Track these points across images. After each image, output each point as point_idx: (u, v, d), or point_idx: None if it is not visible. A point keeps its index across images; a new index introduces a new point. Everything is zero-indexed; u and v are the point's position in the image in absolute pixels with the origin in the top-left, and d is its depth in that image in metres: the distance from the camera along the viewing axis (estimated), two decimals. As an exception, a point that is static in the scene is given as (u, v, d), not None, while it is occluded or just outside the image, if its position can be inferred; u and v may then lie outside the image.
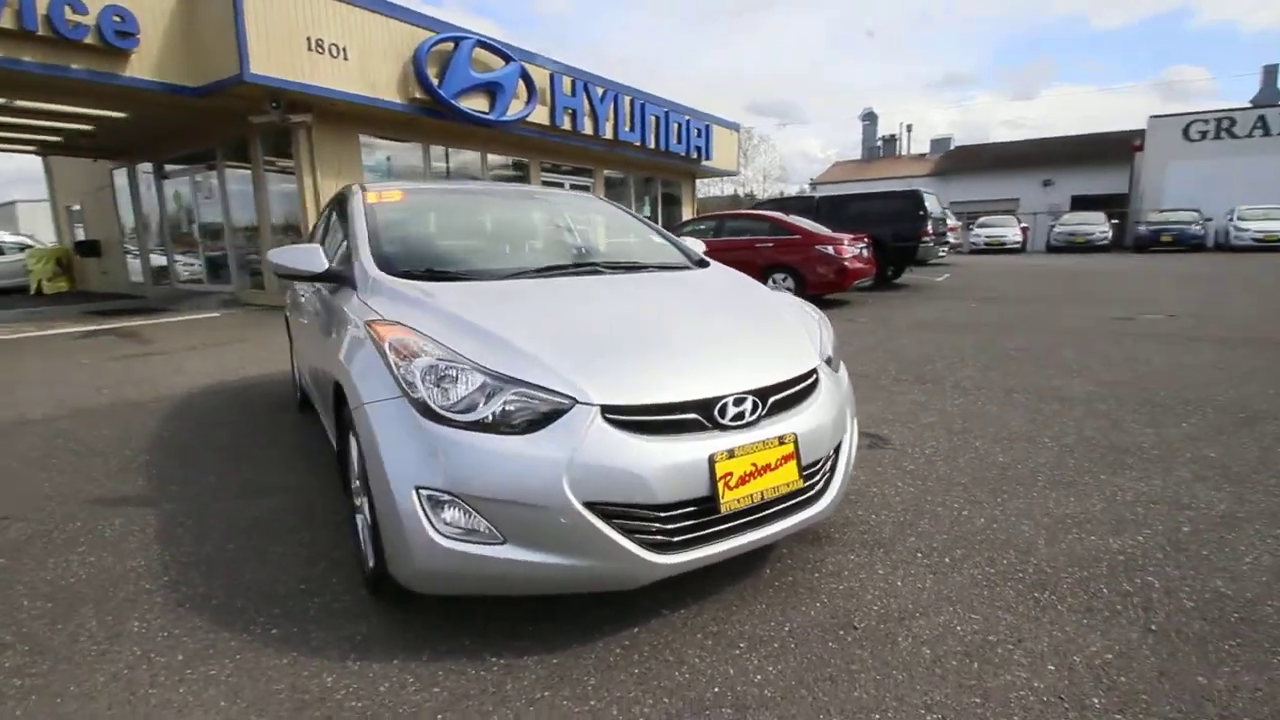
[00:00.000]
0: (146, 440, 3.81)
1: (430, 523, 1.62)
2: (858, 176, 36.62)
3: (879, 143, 40.99)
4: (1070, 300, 9.06)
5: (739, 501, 1.72)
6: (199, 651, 1.80)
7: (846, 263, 8.78)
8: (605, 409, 1.65)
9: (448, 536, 1.62)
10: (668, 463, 1.64)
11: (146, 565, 2.31)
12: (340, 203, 3.18)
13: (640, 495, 1.62)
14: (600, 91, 12.69)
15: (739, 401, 1.78)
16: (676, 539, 1.68)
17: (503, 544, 1.61)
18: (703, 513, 1.70)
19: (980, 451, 3.22)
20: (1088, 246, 21.57)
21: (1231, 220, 19.69)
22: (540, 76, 11.34)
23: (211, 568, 2.28)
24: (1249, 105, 25.64)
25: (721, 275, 2.73)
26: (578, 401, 1.65)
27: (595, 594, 1.87)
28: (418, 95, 9.46)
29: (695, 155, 15.89)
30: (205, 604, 2.04)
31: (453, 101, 9.77)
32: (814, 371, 2.04)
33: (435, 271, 2.35)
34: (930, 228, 11.07)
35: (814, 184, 38.39)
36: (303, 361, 3.64)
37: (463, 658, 1.73)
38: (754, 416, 1.80)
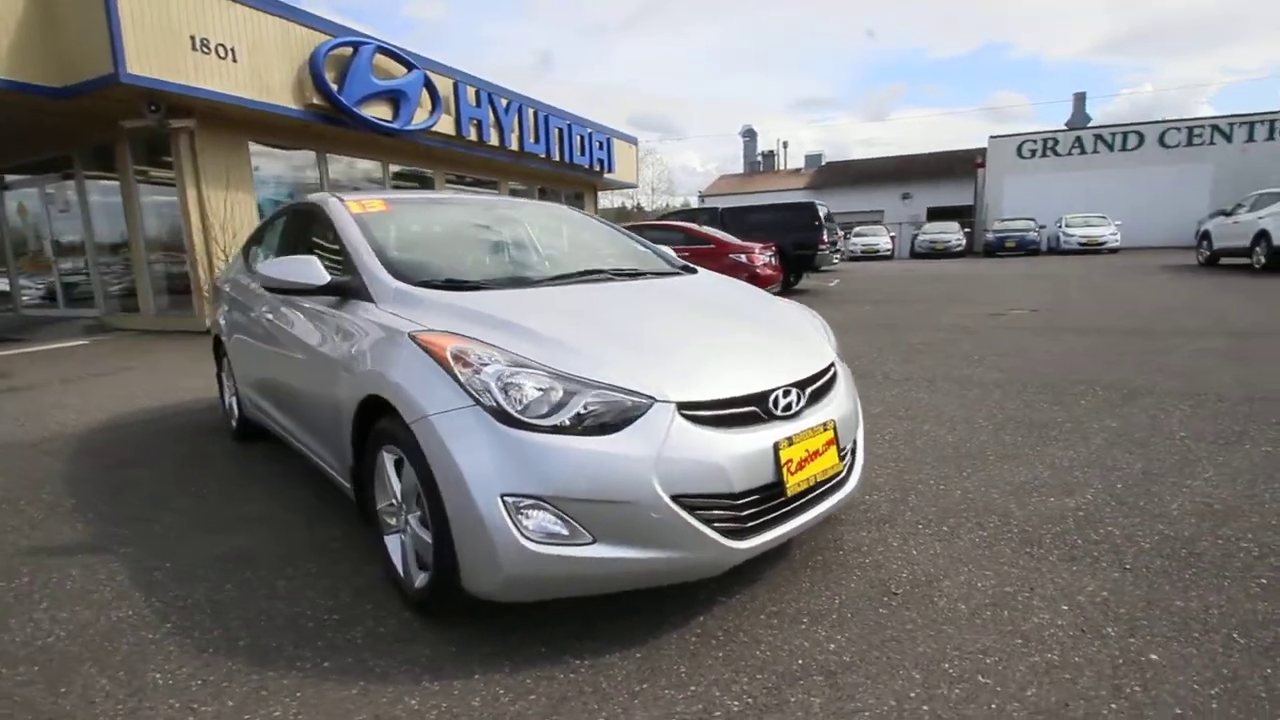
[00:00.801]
0: (60, 484, 3.37)
1: (518, 529, 1.62)
2: (742, 189, 38.53)
3: (759, 158, 43.36)
4: (948, 300, 10.11)
5: (798, 485, 1.86)
6: (250, 694, 1.67)
7: (759, 270, 9.29)
8: (680, 406, 1.73)
9: (536, 541, 1.63)
10: (740, 452, 1.75)
11: (137, 614, 2.08)
12: (309, 215, 3.01)
13: (720, 485, 1.72)
14: (504, 102, 12.57)
15: (786, 393, 1.92)
16: (749, 524, 1.79)
17: (592, 543, 1.64)
18: (768, 498, 1.82)
19: (930, 434, 3.58)
20: (946, 252, 24.04)
21: (1060, 227, 22.73)
22: (444, 85, 11.06)
23: (217, 609, 2.10)
24: (1065, 128, 29.75)
25: (719, 280, 2.87)
26: (656, 400, 1.72)
27: (646, 590, 1.93)
28: (316, 101, 8.94)
29: (598, 168, 16.09)
30: (232, 646, 1.89)
31: (354, 109, 9.31)
32: (833, 364, 2.23)
33: (455, 281, 2.31)
34: (826, 236, 11.94)
35: (703, 196, 39.93)
36: (257, 385, 3.37)
37: (545, 664, 1.74)
38: (799, 407, 1.95)
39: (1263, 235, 12.32)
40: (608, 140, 16.46)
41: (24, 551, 2.58)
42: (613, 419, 1.68)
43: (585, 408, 1.68)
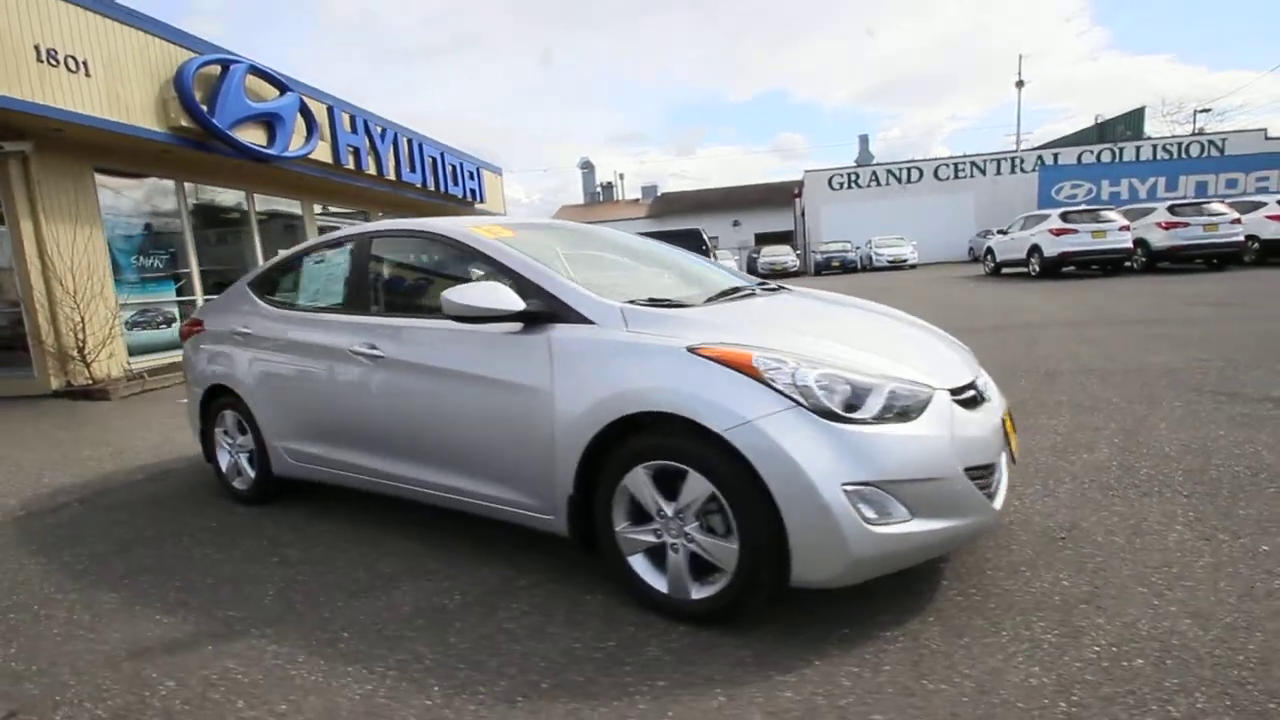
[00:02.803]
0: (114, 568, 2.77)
1: (859, 514, 1.79)
2: (586, 219, 39.53)
3: (598, 189, 44.78)
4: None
5: (1014, 453, 2.23)
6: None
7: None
8: (950, 392, 2.03)
9: (871, 523, 1.81)
10: (990, 428, 2.08)
11: (396, 686, 1.88)
12: (418, 244, 2.95)
13: (987, 456, 2.03)
14: (380, 129, 11.93)
15: (982, 381, 2.29)
16: (993, 490, 2.11)
17: (910, 519, 1.86)
18: (994, 467, 2.16)
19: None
20: (784, 273, 26.68)
21: (871, 247, 26.36)
22: (319, 110, 10.28)
23: (476, 662, 1.95)
24: (855, 165, 34.60)
25: (810, 291, 3.16)
26: (935, 389, 1.99)
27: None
28: (183, 124, 7.87)
29: (471, 198, 15.75)
30: (538, 689, 1.80)
31: (228, 132, 8.33)
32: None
33: (657, 300, 2.39)
34: (712, 258, 12.86)
35: (547, 225, 40.31)
36: (318, 432, 3.04)
37: (861, 641, 1.91)
38: (987, 394, 2.33)
39: (1035, 249, 15.47)
40: (478, 170, 16.20)
41: (108, 659, 2.14)
42: (912, 408, 1.92)
43: (889, 400, 1.91)
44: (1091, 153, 28.03)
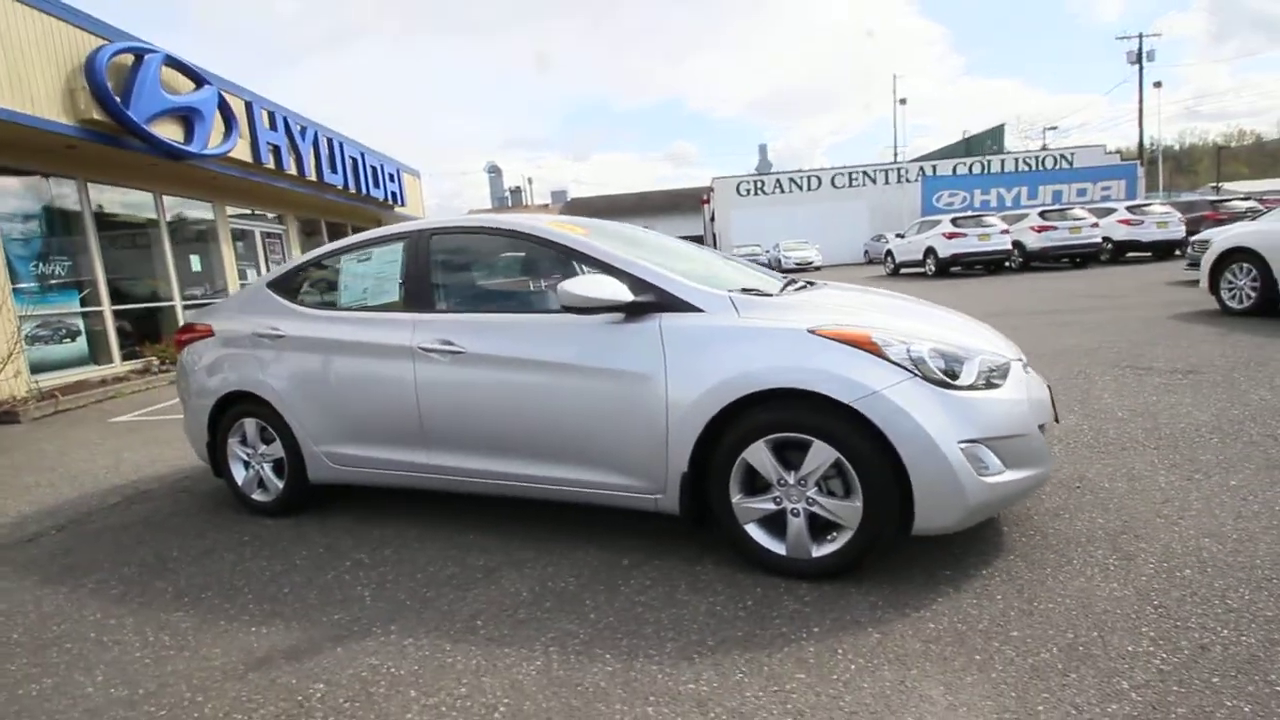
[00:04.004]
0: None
1: (973, 467, 2.08)
2: (494, 223, 38.90)
3: (506, 193, 44.12)
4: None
5: (1057, 414, 2.61)
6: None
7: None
8: (1021, 363, 2.37)
9: (981, 475, 2.10)
10: (1045, 391, 2.45)
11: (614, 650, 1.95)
12: (490, 241, 3.01)
13: (1047, 416, 2.39)
14: (300, 128, 11.28)
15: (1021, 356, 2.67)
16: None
17: (1004, 471, 2.17)
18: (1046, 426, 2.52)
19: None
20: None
21: (779, 251, 27.74)
22: (238, 106, 9.60)
23: (630, 624, 2.06)
24: (757, 172, 36.31)
25: (858, 287, 3.47)
26: (1011, 359, 2.32)
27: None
28: (95, 116, 7.13)
29: (391, 201, 15.16)
30: (703, 646, 1.95)
31: (145, 127, 7.63)
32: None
33: (749, 289, 2.58)
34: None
35: (455, 231, 39.22)
36: (370, 432, 2.99)
37: (970, 582, 2.20)
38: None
39: (930, 251, 17.01)
40: (398, 172, 15.62)
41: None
42: (996, 375, 2.24)
43: (982, 368, 2.21)
44: (964, 165, 31.02)
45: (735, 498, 2.33)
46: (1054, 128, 62.64)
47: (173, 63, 8.24)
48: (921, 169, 31.30)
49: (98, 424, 6.23)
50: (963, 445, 2.08)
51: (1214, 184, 46.53)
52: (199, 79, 8.70)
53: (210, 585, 2.67)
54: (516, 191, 43.69)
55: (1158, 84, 52.90)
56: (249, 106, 9.90)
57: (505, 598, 2.35)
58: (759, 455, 2.26)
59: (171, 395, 7.67)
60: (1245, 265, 7.08)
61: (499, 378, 2.67)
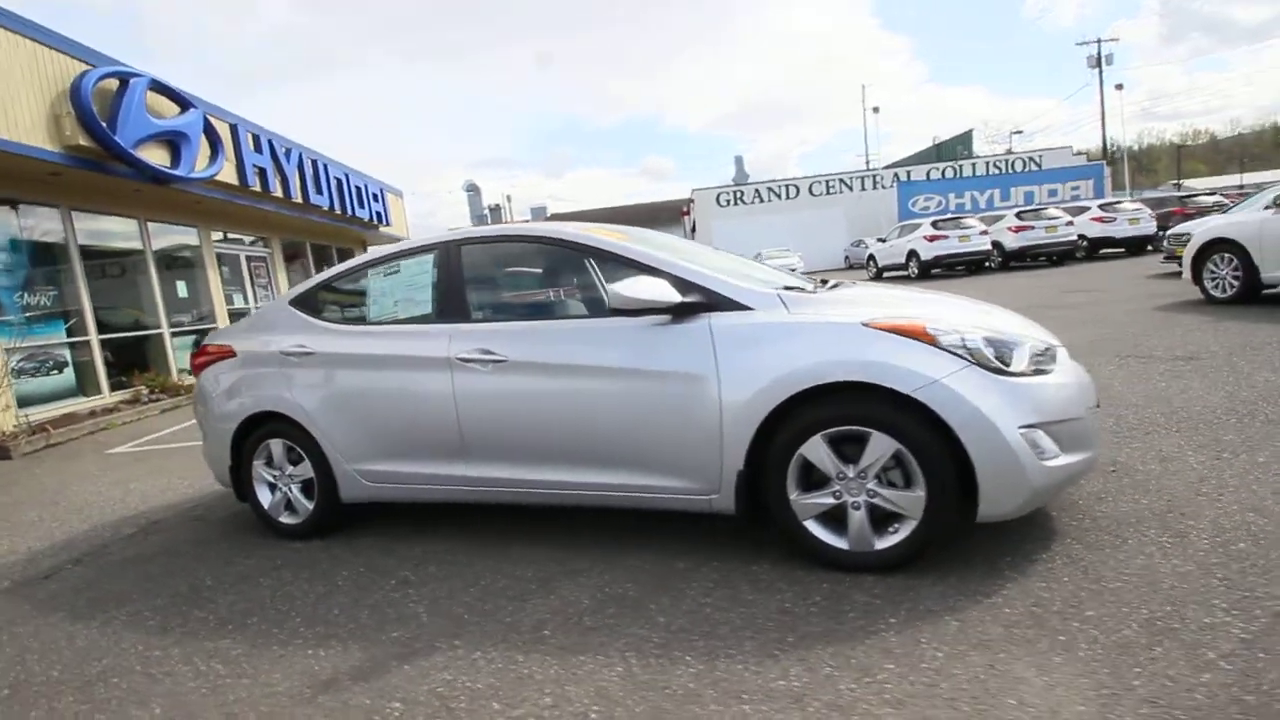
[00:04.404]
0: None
1: (1034, 451, 2.11)
2: (474, 241, 38.76)
3: (485, 211, 44.04)
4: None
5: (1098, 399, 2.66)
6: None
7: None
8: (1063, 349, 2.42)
9: (1041, 459, 2.13)
10: (1089, 376, 2.50)
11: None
12: (522, 249, 3.05)
13: (1094, 399, 2.43)
14: (285, 150, 11.18)
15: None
16: (1093, 428, 2.52)
17: (1060, 454, 2.20)
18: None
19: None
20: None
21: (762, 258, 27.99)
22: (222, 129, 9.49)
23: (702, 626, 2.05)
24: (734, 183, 36.70)
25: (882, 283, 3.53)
26: (1057, 346, 2.37)
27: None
28: (82, 142, 7.00)
29: (377, 220, 15.05)
30: (782, 643, 1.94)
31: (133, 152, 7.51)
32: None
33: (790, 287, 2.61)
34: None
35: (435, 250, 39.01)
36: (412, 446, 2.95)
37: (1033, 567, 2.22)
38: (1060, 355, 2.76)
39: (913, 254, 17.30)
40: (381, 192, 15.52)
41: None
42: (1047, 361, 2.28)
43: (1033, 354, 2.25)
44: (938, 170, 31.67)
45: (793, 494, 2.33)
46: (1019, 132, 64.41)
47: (158, 86, 8.13)
48: (896, 175, 31.88)
49: (95, 456, 6.06)
50: (1022, 430, 2.10)
51: (1175, 181, 48.09)
52: (184, 102, 8.59)
53: (253, 611, 2.60)
54: (496, 209, 43.60)
55: (1119, 86, 54.44)
56: (234, 129, 9.80)
57: (567, 607, 2.32)
58: (817, 450, 2.26)
59: (165, 425, 7.50)
60: (1227, 255, 7.30)
61: (544, 384, 2.66)
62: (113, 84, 7.50)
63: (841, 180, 32.21)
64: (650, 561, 2.59)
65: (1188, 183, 47.35)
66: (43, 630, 2.66)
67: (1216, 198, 17.84)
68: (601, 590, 2.41)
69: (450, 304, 2.95)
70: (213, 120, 9.19)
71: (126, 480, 5.03)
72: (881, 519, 2.26)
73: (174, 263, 10.14)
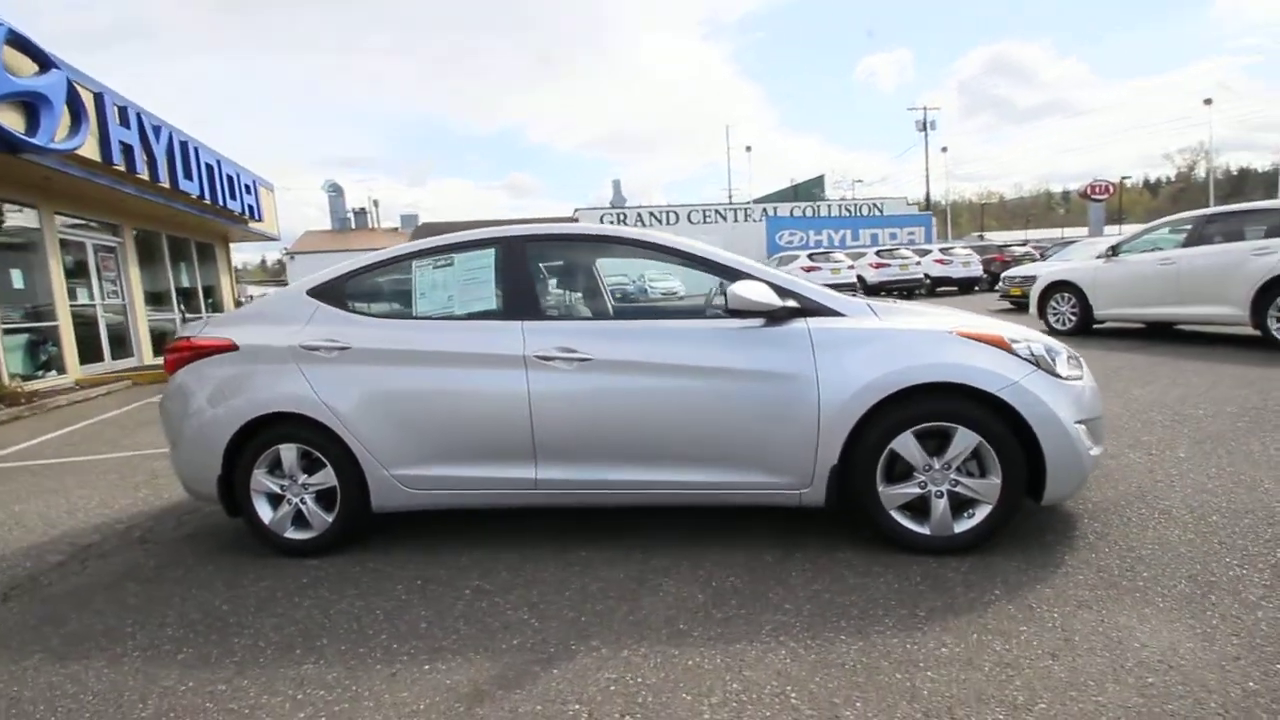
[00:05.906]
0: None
1: (1087, 444, 2.50)
2: (335, 246, 35.91)
3: (349, 214, 41.07)
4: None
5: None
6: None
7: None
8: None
9: (1088, 450, 2.53)
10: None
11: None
12: (576, 245, 3.03)
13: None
14: (154, 127, 9.81)
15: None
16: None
17: (1094, 446, 2.62)
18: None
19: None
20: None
21: (645, 281, 28.80)
22: (87, 97, 8.16)
23: (830, 609, 2.18)
24: (612, 206, 37.59)
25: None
26: (1079, 355, 2.82)
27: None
28: (-85, 94, 5.73)
29: (248, 214, 13.57)
30: (912, 617, 2.13)
31: (-19, 113, 6.26)
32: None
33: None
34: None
35: (290, 253, 35.49)
36: (470, 449, 2.81)
37: (1086, 553, 2.61)
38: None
39: (860, 279, 18.81)
40: (254, 183, 14.03)
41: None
42: (1077, 367, 2.71)
43: (1069, 359, 2.67)
44: (799, 208, 34.66)
45: (881, 486, 2.55)
46: (860, 181, 72.41)
47: (17, 40, 6.86)
48: (764, 210, 34.41)
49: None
50: (1078, 424, 2.50)
51: (978, 233, 56.39)
52: (46, 61, 7.31)
53: (315, 632, 2.32)
54: (361, 213, 40.78)
55: (944, 149, 64.29)
56: (99, 98, 8.46)
57: (684, 601, 2.35)
58: (907, 445, 2.51)
59: (15, 439, 6.23)
60: (1067, 295, 8.85)
61: (636, 383, 2.67)
62: (-43, 28, 6.23)
63: (717, 211, 34.20)
64: (738, 556, 2.67)
65: (989, 236, 55.79)
66: (43, 682, 2.18)
67: (1027, 249, 21.25)
68: (707, 584, 2.46)
69: (520, 300, 2.87)
70: (77, 86, 7.89)
71: (9, 503, 4.16)
72: (957, 506, 2.54)
73: (7, 247, 8.48)
